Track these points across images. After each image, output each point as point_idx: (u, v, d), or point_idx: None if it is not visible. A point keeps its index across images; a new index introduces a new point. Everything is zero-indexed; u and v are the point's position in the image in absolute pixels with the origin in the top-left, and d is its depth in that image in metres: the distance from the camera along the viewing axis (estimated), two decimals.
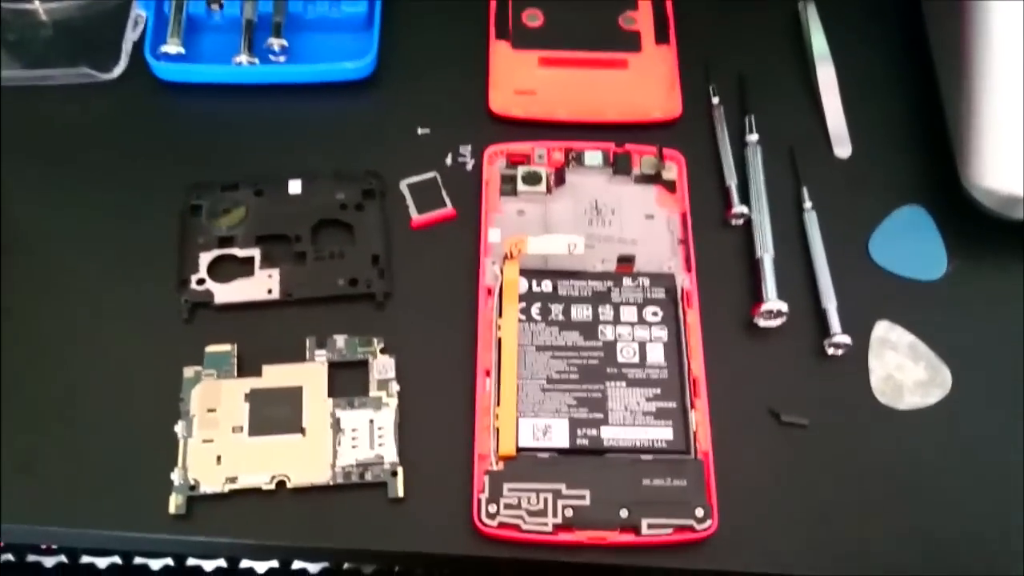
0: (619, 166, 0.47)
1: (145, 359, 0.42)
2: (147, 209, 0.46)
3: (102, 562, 0.56)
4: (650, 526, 0.38)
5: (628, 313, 0.43)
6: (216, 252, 0.44)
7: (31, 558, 0.56)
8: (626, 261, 0.44)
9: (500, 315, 0.42)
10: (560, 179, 0.46)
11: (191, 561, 0.56)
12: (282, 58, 0.49)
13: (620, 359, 0.42)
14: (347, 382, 0.42)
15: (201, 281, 0.44)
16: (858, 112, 0.50)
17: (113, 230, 0.45)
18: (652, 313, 0.43)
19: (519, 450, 0.40)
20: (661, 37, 0.51)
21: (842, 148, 0.49)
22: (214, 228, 0.45)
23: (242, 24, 0.49)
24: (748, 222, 0.46)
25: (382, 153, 0.48)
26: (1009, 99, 0.44)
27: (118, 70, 0.49)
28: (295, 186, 0.46)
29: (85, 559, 0.56)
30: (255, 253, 0.44)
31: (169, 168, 0.47)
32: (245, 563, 0.56)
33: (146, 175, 0.47)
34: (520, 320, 0.42)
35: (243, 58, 0.48)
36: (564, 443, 0.40)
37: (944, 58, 0.49)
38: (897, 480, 0.41)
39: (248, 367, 0.42)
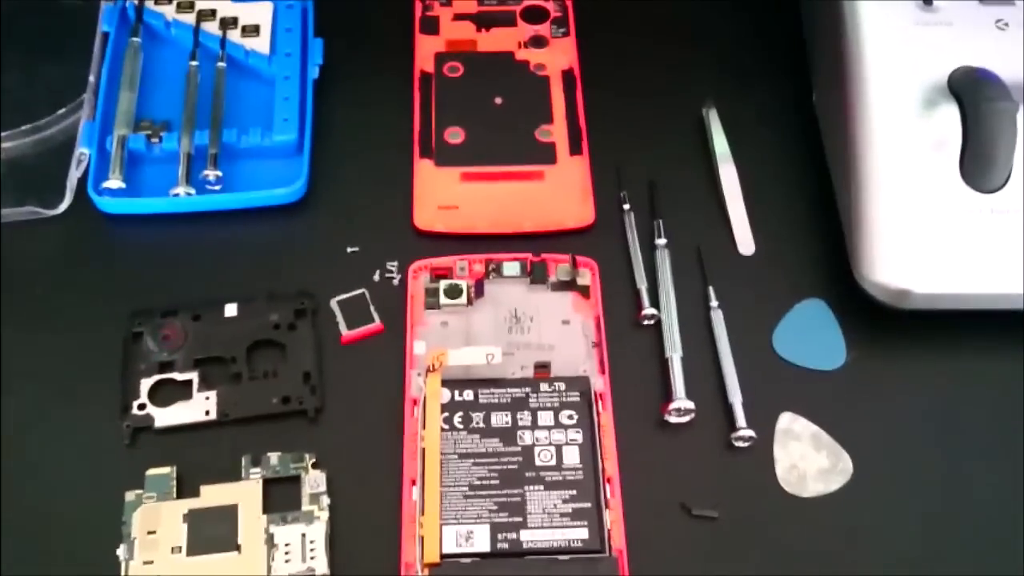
0: (536, 275, 0.50)
1: (88, 484, 0.45)
2: (91, 337, 0.48)
3: None
4: None
5: (545, 418, 0.45)
6: (156, 377, 0.47)
7: None
8: (543, 367, 0.47)
9: (423, 426, 0.45)
10: (480, 291, 0.49)
11: None
12: (218, 187, 0.52)
13: (538, 462, 0.44)
14: (281, 498, 0.44)
15: (142, 406, 0.46)
16: (761, 210, 0.53)
17: (58, 359, 0.48)
18: (568, 416, 0.45)
19: (443, 557, 0.42)
20: (575, 148, 0.54)
21: (746, 246, 0.52)
22: (154, 355, 0.47)
23: (180, 156, 0.52)
24: (659, 322, 0.49)
25: (314, 271, 0.51)
26: (891, 197, 0.47)
27: (63, 206, 0.52)
28: (231, 309, 0.49)
29: None
30: (193, 376, 0.47)
31: (112, 296, 0.50)
32: None
33: (90, 304, 0.50)
34: (443, 429, 0.45)
35: (181, 189, 0.51)
36: (486, 547, 0.42)
37: (835, 159, 0.52)
38: (805, 565, 0.43)
39: (187, 487, 0.44)
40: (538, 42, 0.59)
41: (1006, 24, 0.51)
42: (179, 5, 0.58)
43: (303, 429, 0.46)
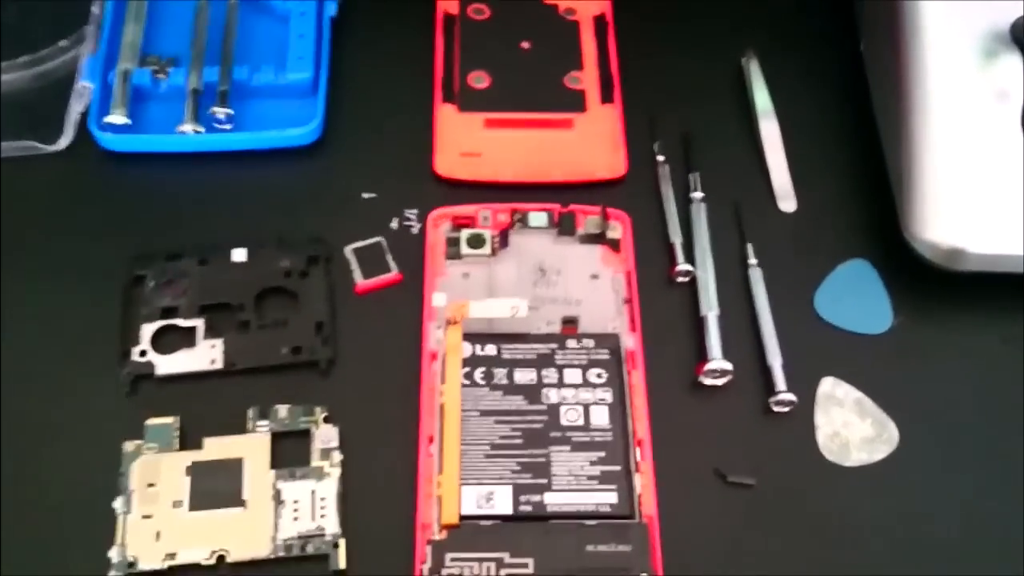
0: (564, 227, 0.47)
1: (85, 433, 0.42)
2: (91, 280, 0.46)
3: None
4: None
5: (572, 375, 0.42)
6: (159, 323, 0.44)
7: None
8: (570, 323, 0.44)
9: (443, 381, 0.42)
10: (504, 241, 0.46)
11: None
12: (228, 126, 0.49)
13: (564, 422, 0.41)
14: (290, 452, 0.41)
15: (143, 353, 0.43)
16: (803, 166, 0.50)
17: (56, 303, 0.45)
18: (596, 375, 0.43)
19: (462, 518, 0.39)
20: (606, 97, 0.51)
21: (787, 203, 0.49)
22: (156, 300, 0.44)
23: (187, 93, 0.49)
24: (693, 280, 0.46)
25: (328, 218, 0.48)
26: (947, 151, 0.45)
27: (64, 141, 0.49)
28: (239, 254, 0.46)
29: None
30: (198, 323, 0.44)
31: (114, 238, 0.47)
32: None
33: (91, 246, 0.47)
34: (464, 385, 0.42)
35: (188, 127, 0.48)
36: (508, 510, 0.39)
37: (884, 111, 0.49)
38: (846, 538, 0.41)
39: (190, 440, 0.42)
40: None
41: None
42: None
43: (314, 381, 0.43)
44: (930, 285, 0.46)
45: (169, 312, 0.44)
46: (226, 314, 0.45)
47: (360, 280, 0.46)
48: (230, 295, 0.45)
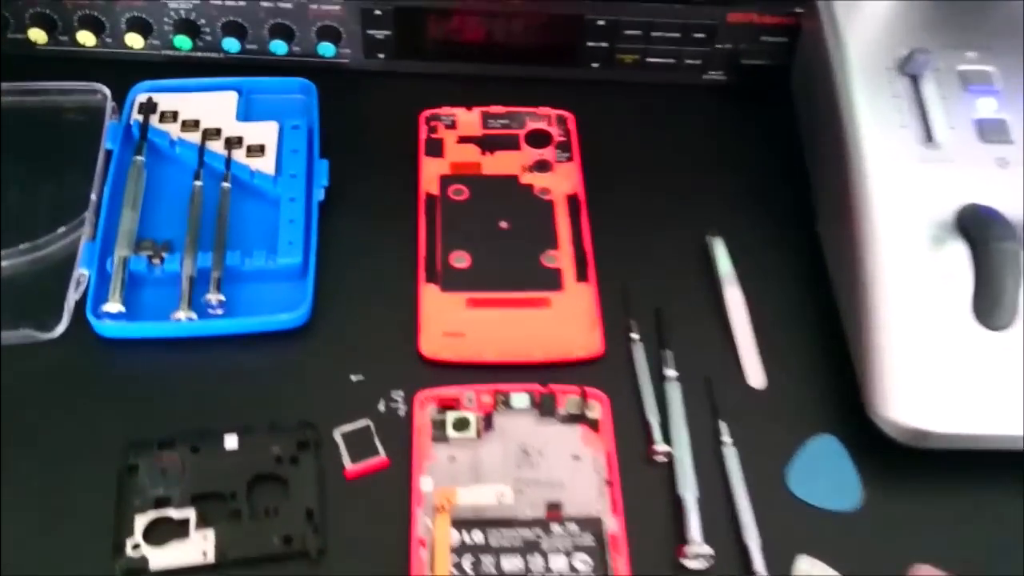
0: (545, 407, 0.49)
1: None
2: (85, 466, 0.47)
3: None
4: None
5: (558, 562, 0.44)
6: (152, 514, 0.45)
7: None
8: (554, 507, 0.46)
9: (432, 569, 0.43)
10: (488, 424, 0.48)
11: None
12: (219, 310, 0.51)
13: None
14: None
15: (136, 546, 0.44)
16: (770, 339, 0.53)
17: (50, 489, 0.46)
18: (582, 561, 0.44)
19: None
20: (581, 275, 0.54)
21: (756, 379, 0.51)
22: (150, 490, 0.45)
23: (181, 279, 0.51)
24: (671, 458, 0.48)
25: (317, 399, 0.49)
26: (903, 333, 0.47)
27: (60, 328, 0.51)
28: (231, 441, 0.47)
29: None
30: (191, 514, 0.45)
31: (108, 423, 0.48)
32: None
33: (85, 432, 0.48)
34: (452, 575, 0.43)
35: (182, 314, 0.50)
36: None
37: (842, 290, 0.52)
38: None
39: None
40: (542, 166, 0.59)
41: (1007, 162, 0.52)
42: (184, 124, 0.58)
43: (305, 571, 0.44)
44: (898, 459, 0.48)
45: (162, 502, 0.45)
46: (218, 503, 0.46)
47: (349, 465, 0.47)
48: (222, 484, 0.46)
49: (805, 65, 0.60)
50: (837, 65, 0.55)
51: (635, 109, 0.63)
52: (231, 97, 0.59)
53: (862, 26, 0.56)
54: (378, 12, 0.60)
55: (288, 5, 0.60)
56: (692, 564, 0.45)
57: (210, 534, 0.45)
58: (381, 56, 0.63)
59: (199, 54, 0.62)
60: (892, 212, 0.50)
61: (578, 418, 0.49)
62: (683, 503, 0.46)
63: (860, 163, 0.51)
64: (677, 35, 0.61)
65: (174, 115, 0.58)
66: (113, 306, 0.50)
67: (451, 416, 0.48)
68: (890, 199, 0.50)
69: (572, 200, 0.57)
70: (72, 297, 0.51)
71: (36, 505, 0.46)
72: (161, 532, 0.45)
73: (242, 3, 0.60)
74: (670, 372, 0.51)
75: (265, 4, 0.60)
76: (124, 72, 0.60)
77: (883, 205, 0.50)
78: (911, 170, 0.51)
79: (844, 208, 0.52)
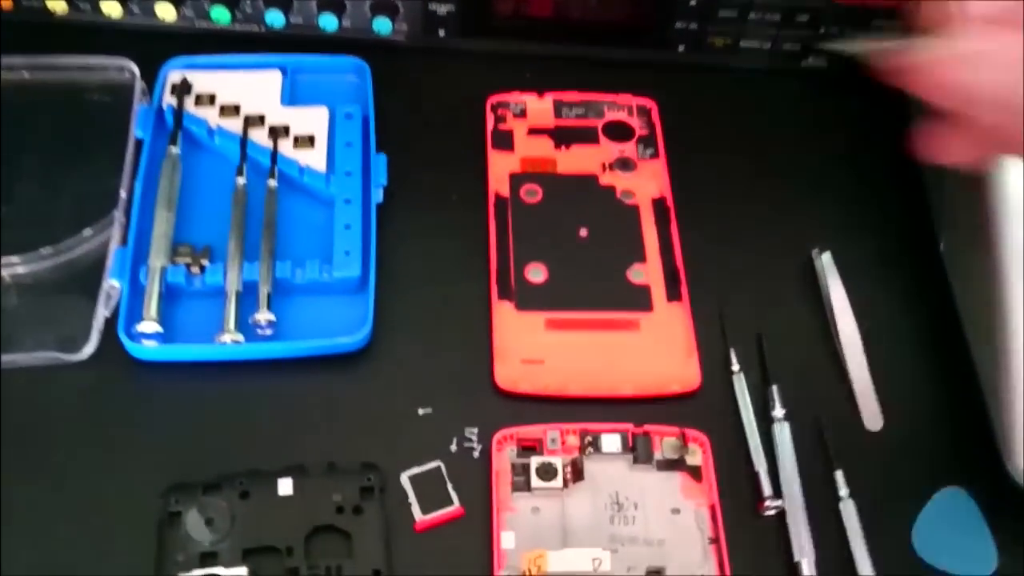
0: (639, 452, 0.43)
1: None
2: (118, 515, 0.41)
3: None
4: None
5: None
6: (198, 573, 0.39)
7: None
8: (655, 574, 0.40)
9: None
10: (578, 473, 0.42)
11: None
12: (269, 331, 0.45)
13: None
14: None
15: None
16: (886, 375, 0.47)
17: (77, 544, 0.40)
18: None
19: None
20: (673, 294, 0.48)
21: (873, 421, 0.46)
22: (194, 544, 0.40)
23: (225, 294, 0.45)
24: (781, 512, 0.43)
25: (379, 437, 0.44)
26: None
27: (89, 349, 0.45)
28: (285, 486, 0.42)
29: None
30: (242, 572, 0.40)
31: (143, 463, 0.42)
32: None
33: (117, 473, 0.42)
34: None
35: (228, 336, 0.44)
36: None
37: (975, 322, 0.46)
38: None
39: None
40: (624, 164, 0.52)
41: None
42: (223, 109, 0.51)
43: None
44: None
45: (208, 558, 0.40)
46: (272, 559, 0.40)
47: (419, 516, 0.42)
48: (277, 536, 0.41)
49: None
50: None
51: (724, 99, 0.56)
52: (275, 77, 0.53)
53: None
54: None
55: None
56: None
57: None
58: (442, 33, 0.56)
59: (238, 27, 0.55)
60: None
61: (676, 463, 0.43)
62: (799, 569, 0.41)
63: (1000, 176, 0.45)
64: (777, 17, 0.54)
65: (211, 98, 0.51)
66: (149, 325, 0.44)
67: (535, 461, 0.42)
68: None
69: (659, 205, 0.51)
70: (102, 313, 0.45)
71: (62, 561, 0.40)
72: None
73: None
74: (777, 412, 0.45)
75: None
76: (153, 47, 0.53)
77: None
78: None
79: (977, 230, 0.46)
